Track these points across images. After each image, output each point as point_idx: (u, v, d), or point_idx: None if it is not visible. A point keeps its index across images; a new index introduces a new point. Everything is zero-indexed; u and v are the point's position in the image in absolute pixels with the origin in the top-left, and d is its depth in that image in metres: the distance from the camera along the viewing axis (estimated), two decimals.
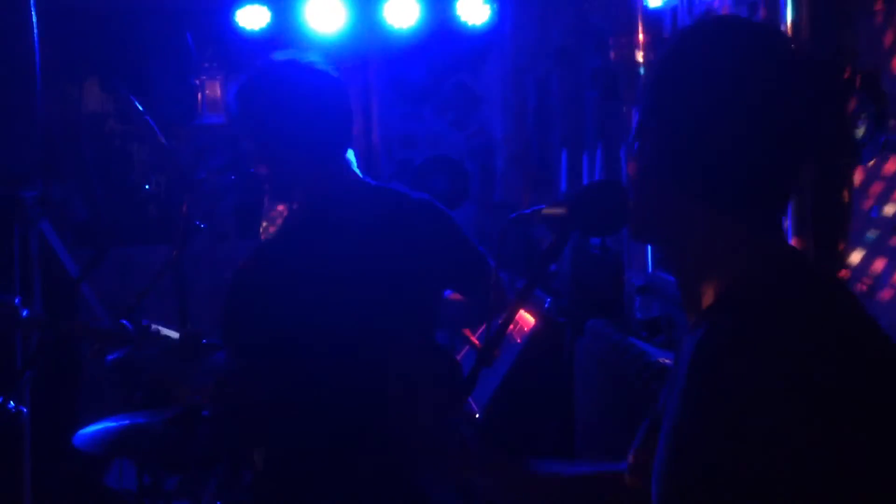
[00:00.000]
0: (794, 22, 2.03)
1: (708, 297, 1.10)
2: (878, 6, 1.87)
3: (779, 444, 0.92)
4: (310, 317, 1.94)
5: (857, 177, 1.96)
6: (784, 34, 1.16)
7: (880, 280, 1.87)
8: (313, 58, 2.08)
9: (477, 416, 3.44)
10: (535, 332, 3.51)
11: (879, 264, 1.89)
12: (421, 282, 2.08)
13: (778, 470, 0.92)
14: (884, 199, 1.88)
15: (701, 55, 1.08)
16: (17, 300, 2.18)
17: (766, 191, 1.08)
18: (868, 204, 1.93)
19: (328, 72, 2.05)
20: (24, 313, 2.12)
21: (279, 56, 2.09)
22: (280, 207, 2.98)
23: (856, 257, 1.96)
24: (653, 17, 3.03)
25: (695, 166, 1.07)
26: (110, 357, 2.27)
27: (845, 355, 0.96)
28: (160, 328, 2.49)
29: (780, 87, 1.05)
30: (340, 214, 2.03)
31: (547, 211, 1.44)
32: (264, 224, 3.18)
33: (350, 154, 2.11)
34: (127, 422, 2.35)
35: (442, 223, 2.13)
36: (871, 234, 1.91)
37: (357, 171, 2.12)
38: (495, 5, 4.73)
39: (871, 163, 1.89)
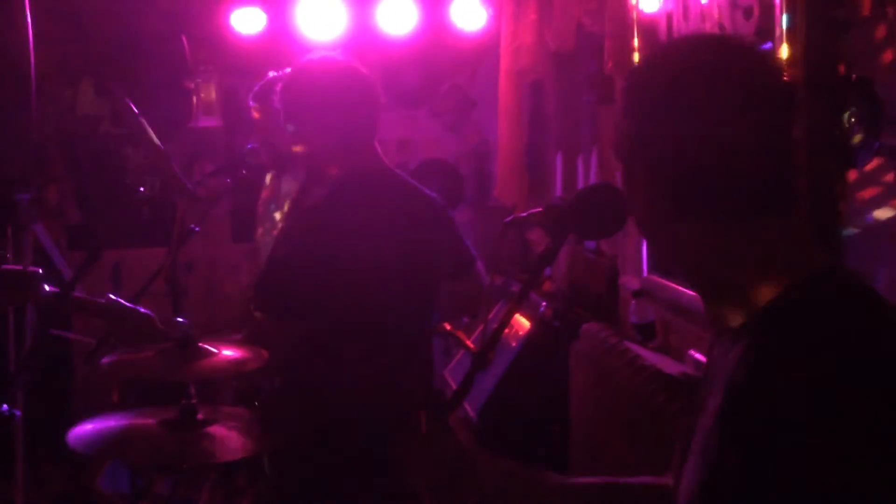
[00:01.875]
0: (789, 28, 2.04)
1: (743, 311, 1.07)
2: (868, 12, 1.88)
3: (823, 475, 0.89)
4: (340, 271, 2.18)
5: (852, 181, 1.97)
6: (744, 41, 1.15)
7: (872, 284, 1.87)
8: (343, 56, 2.41)
9: (473, 418, 3.44)
10: (530, 335, 3.51)
11: (872, 268, 1.90)
12: (422, 267, 2.31)
13: (820, 500, 0.89)
14: (877, 203, 1.89)
15: (669, 75, 1.08)
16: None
17: (775, 194, 1.06)
18: (861, 208, 1.93)
19: (360, 69, 2.38)
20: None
21: (318, 54, 2.44)
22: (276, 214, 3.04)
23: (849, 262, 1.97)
24: (648, 22, 3.04)
25: (693, 188, 1.06)
26: (105, 359, 2.27)
27: (889, 387, 0.92)
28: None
29: (749, 99, 1.05)
30: (367, 191, 2.30)
31: (542, 215, 1.44)
32: (260, 229, 3.19)
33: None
34: (121, 424, 2.34)
35: (445, 220, 2.43)
36: (864, 239, 1.92)
37: (384, 158, 2.40)
38: (490, 10, 4.74)
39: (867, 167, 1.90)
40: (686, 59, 1.09)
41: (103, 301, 2.19)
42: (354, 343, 2.20)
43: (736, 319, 1.08)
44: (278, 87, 2.38)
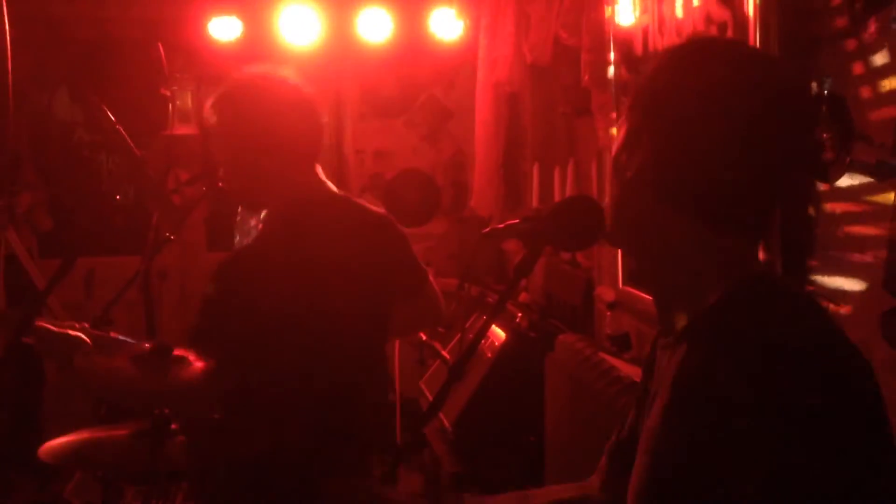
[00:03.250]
0: (762, 44, 2.07)
1: (688, 313, 1.11)
2: (840, 28, 1.91)
3: (756, 462, 0.93)
4: (284, 316, 2.00)
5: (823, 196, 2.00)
6: (771, 58, 1.19)
7: (842, 297, 1.90)
8: (286, 72, 2.16)
9: (448, 429, 3.43)
10: (505, 346, 3.51)
11: (842, 282, 1.92)
12: (377, 290, 2.19)
13: (754, 488, 0.93)
14: (848, 218, 1.92)
15: (693, 75, 1.09)
16: None
17: (751, 210, 1.10)
18: (832, 223, 1.96)
19: (300, 86, 2.14)
20: None
21: (253, 69, 2.17)
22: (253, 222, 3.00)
23: (820, 274, 1.99)
24: (624, 35, 3.07)
25: (683, 183, 1.08)
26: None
27: (825, 379, 0.98)
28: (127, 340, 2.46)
29: (768, 110, 1.07)
30: (309, 221, 2.11)
31: (519, 226, 1.45)
32: (237, 237, 3.17)
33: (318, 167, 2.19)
34: (92, 435, 2.32)
35: (397, 238, 2.28)
36: (835, 252, 1.95)
37: (327, 181, 2.21)
38: (468, 21, 4.76)
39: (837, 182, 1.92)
40: (721, 65, 1.09)
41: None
42: (308, 376, 2.04)
43: (680, 321, 1.12)
44: (207, 105, 2.15)
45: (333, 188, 2.22)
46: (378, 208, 2.30)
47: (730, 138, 1.06)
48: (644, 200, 1.12)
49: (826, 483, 0.94)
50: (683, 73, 1.10)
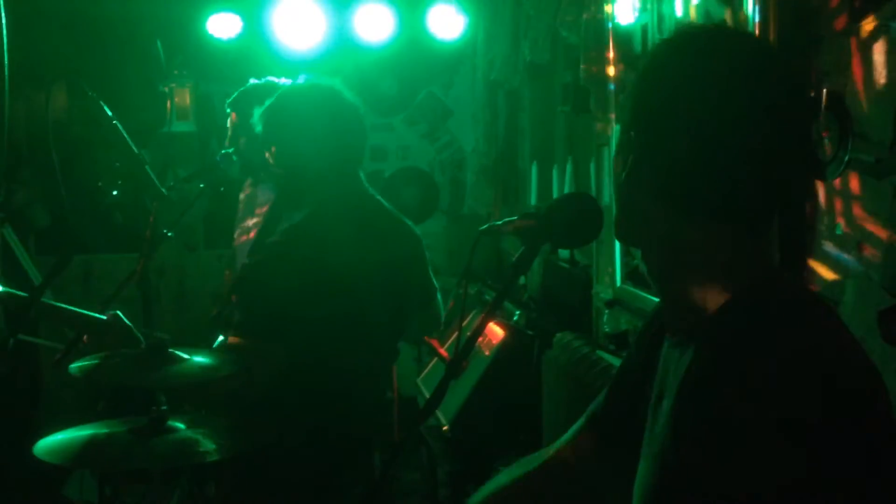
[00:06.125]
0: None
1: (695, 313, 1.09)
2: (839, 27, 1.90)
3: (759, 478, 0.92)
4: (307, 310, 2.11)
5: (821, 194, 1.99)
6: (766, 44, 1.15)
7: (840, 294, 1.90)
8: (332, 81, 2.34)
9: (445, 427, 3.43)
10: (503, 344, 3.51)
11: (839, 279, 1.92)
12: (398, 297, 2.30)
13: (763, 500, 0.92)
14: (846, 216, 1.92)
15: (682, 67, 1.07)
16: None
17: (745, 200, 1.07)
18: (830, 221, 1.96)
19: (349, 96, 2.31)
20: None
21: (306, 77, 2.38)
22: (258, 211, 3.04)
23: (817, 272, 1.99)
24: (623, 34, 3.06)
25: (674, 178, 1.07)
26: (73, 365, 2.24)
27: (831, 395, 0.96)
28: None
29: (761, 100, 1.04)
30: (346, 223, 2.24)
31: (518, 223, 1.44)
32: (236, 234, 3.17)
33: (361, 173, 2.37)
34: (89, 431, 2.31)
35: (420, 252, 2.43)
36: (833, 250, 1.94)
37: (368, 187, 2.37)
38: (467, 19, 4.76)
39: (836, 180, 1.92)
40: (727, 52, 1.07)
41: (74, 310, 2.17)
42: (326, 365, 2.15)
43: (687, 321, 1.10)
44: (261, 110, 2.32)
45: (374, 194, 2.36)
46: (408, 221, 2.42)
47: (713, 127, 1.03)
48: (641, 200, 1.10)
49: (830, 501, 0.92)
50: (665, 67, 1.09)
